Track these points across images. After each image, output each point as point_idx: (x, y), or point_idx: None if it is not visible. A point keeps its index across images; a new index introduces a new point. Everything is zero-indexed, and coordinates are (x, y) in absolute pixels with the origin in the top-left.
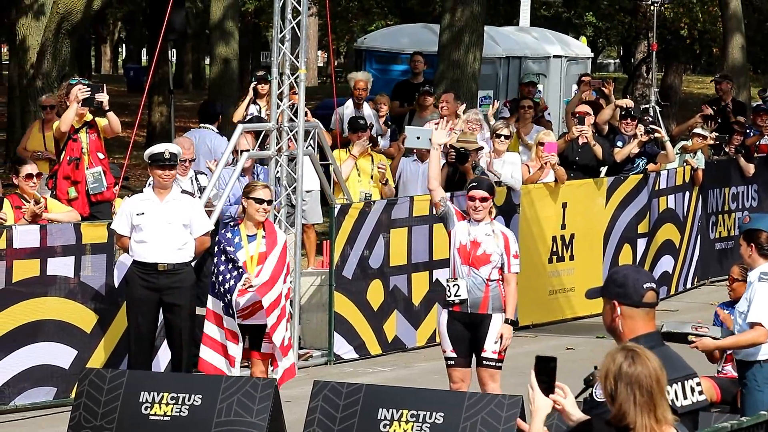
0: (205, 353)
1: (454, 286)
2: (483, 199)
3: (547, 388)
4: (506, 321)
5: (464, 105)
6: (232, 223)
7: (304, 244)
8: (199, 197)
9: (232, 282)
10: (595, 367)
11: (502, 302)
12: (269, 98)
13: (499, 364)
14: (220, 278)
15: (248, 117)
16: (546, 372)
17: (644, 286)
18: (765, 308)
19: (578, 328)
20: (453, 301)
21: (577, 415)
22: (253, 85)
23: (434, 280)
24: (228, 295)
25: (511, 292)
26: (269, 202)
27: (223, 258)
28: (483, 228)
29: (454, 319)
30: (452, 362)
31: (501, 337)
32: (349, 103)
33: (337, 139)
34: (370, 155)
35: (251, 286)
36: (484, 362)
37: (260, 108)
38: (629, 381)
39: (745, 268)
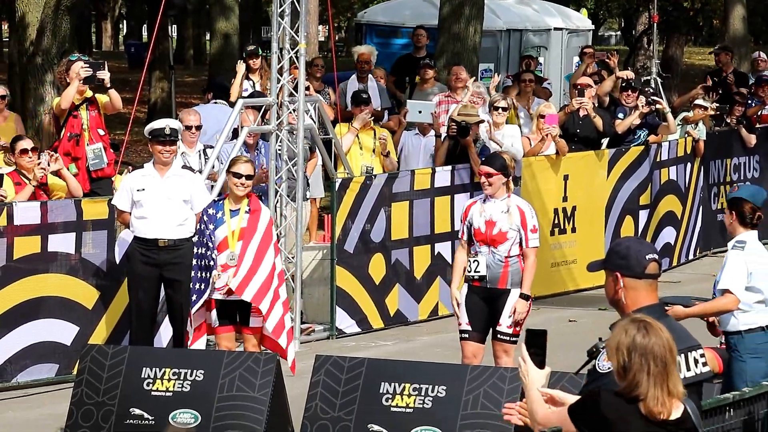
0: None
1: (474, 262)
2: (488, 175)
3: (541, 360)
4: (521, 296)
5: (474, 78)
6: (217, 198)
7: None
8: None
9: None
10: (600, 339)
11: (522, 277)
12: (262, 72)
13: (514, 339)
14: (198, 261)
15: (243, 92)
16: (537, 345)
17: (647, 257)
18: (735, 275)
19: (580, 300)
20: (473, 276)
21: (570, 399)
22: (243, 60)
23: (436, 253)
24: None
25: (528, 267)
26: (248, 177)
27: (201, 239)
28: (498, 205)
29: (474, 293)
30: (466, 335)
31: (514, 311)
32: (354, 77)
33: (338, 113)
34: (372, 129)
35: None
36: (499, 336)
37: (254, 83)
38: (644, 352)
39: None
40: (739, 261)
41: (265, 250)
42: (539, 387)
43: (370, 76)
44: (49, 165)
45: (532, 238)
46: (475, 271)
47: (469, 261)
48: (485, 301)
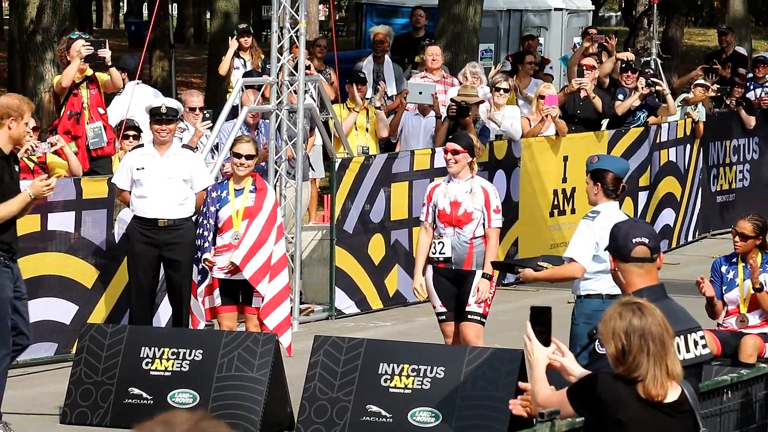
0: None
1: (439, 243)
2: (454, 152)
3: (546, 338)
4: (483, 275)
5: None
6: (221, 179)
7: None
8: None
9: (206, 243)
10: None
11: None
12: (253, 51)
13: (483, 320)
14: (199, 241)
15: (234, 70)
16: (542, 323)
17: (633, 240)
18: (580, 244)
19: None
20: (438, 258)
21: (578, 370)
22: (235, 38)
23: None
24: (199, 253)
25: (491, 247)
26: (249, 157)
27: (203, 220)
28: (462, 185)
29: (440, 275)
30: (443, 317)
31: (478, 290)
32: (370, 57)
33: (338, 93)
34: (365, 109)
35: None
36: (468, 316)
37: (245, 61)
38: (642, 333)
39: (757, 224)
40: (587, 230)
41: (269, 231)
42: (544, 365)
43: (386, 57)
44: (51, 146)
45: (494, 219)
46: (440, 253)
47: (434, 243)
48: (452, 282)
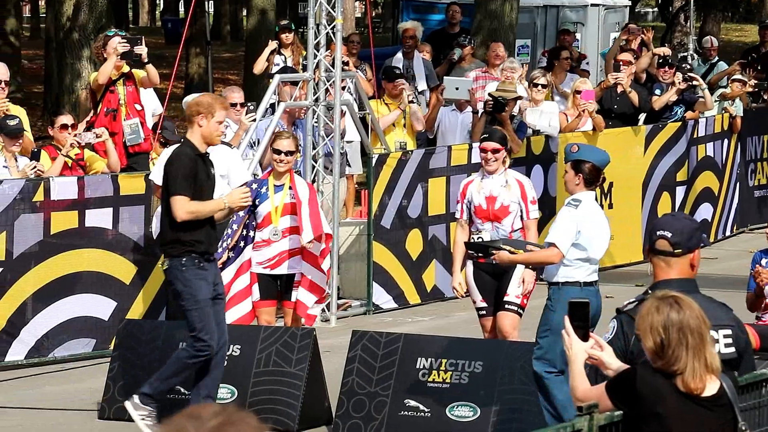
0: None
1: (478, 238)
2: (494, 151)
3: (584, 333)
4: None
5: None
6: (261, 175)
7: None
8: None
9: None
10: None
11: None
12: (294, 48)
13: (521, 311)
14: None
15: (274, 67)
16: (580, 317)
17: (657, 233)
18: (562, 230)
19: (617, 276)
20: (477, 254)
21: (616, 364)
22: (276, 34)
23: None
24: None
25: (531, 239)
26: (288, 153)
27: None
28: (497, 180)
29: (480, 270)
30: (484, 312)
31: (523, 281)
32: (400, 53)
33: (374, 89)
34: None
35: (275, 234)
36: (506, 306)
37: (285, 58)
38: (680, 326)
39: None
40: (570, 218)
41: (317, 210)
42: (583, 360)
43: (416, 52)
44: (96, 137)
45: (532, 210)
46: None
47: (473, 237)
48: (492, 276)
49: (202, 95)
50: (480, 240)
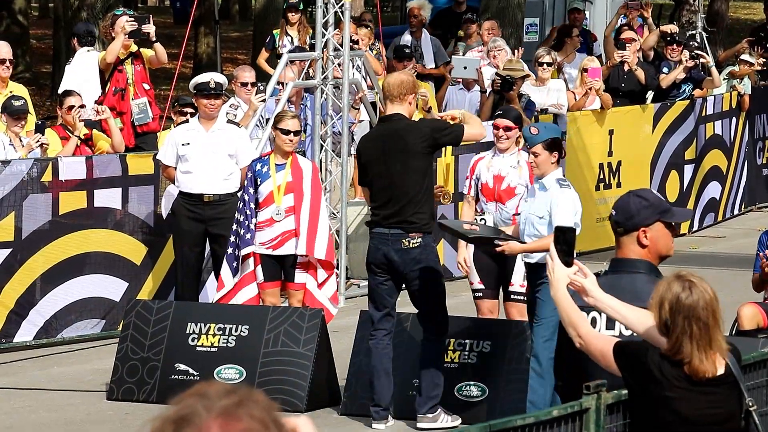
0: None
1: (481, 220)
2: (507, 128)
3: (567, 256)
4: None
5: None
6: (263, 154)
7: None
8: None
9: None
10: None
11: None
12: (300, 27)
13: (525, 299)
14: (243, 215)
15: (282, 47)
16: (565, 241)
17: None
18: (570, 213)
19: None
20: None
21: (598, 292)
22: (282, 13)
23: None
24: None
25: None
26: (296, 133)
27: (250, 191)
28: (508, 160)
29: (481, 252)
30: (480, 294)
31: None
32: (407, 31)
33: (385, 68)
34: None
35: (278, 214)
36: (512, 297)
37: (292, 38)
38: (687, 314)
39: None
40: (573, 198)
41: (318, 204)
42: (565, 284)
43: (424, 31)
44: (97, 113)
45: None
46: None
47: (476, 219)
48: (493, 259)
49: (404, 73)
50: (483, 221)
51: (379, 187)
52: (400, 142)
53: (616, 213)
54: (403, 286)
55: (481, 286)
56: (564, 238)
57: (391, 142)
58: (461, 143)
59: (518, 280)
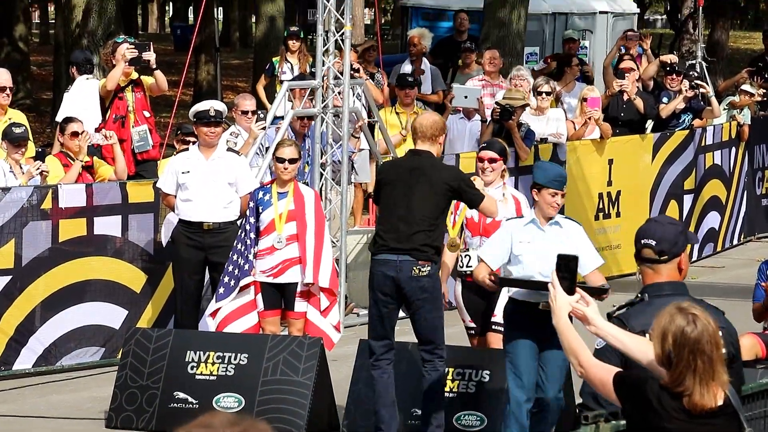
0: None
1: (465, 257)
2: (491, 160)
3: (569, 285)
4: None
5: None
6: (266, 181)
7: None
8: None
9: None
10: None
11: None
12: (300, 55)
13: None
14: (244, 245)
15: (282, 74)
16: (567, 269)
17: (642, 241)
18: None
19: (625, 285)
20: (465, 272)
21: (600, 320)
22: (283, 41)
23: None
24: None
25: None
26: (292, 161)
27: (251, 220)
28: (494, 193)
29: (468, 289)
30: (473, 332)
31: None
32: (407, 60)
33: (386, 96)
34: (414, 114)
35: (279, 242)
36: (493, 327)
37: (292, 65)
38: (693, 348)
39: None
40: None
41: (322, 232)
42: (567, 312)
43: (424, 59)
44: (105, 139)
45: None
46: (467, 266)
47: (460, 255)
48: (479, 295)
49: (436, 115)
50: (468, 258)
51: (394, 211)
52: (428, 174)
53: (657, 243)
54: (401, 314)
55: (473, 325)
56: (567, 266)
57: (419, 172)
58: (474, 208)
59: (500, 312)
